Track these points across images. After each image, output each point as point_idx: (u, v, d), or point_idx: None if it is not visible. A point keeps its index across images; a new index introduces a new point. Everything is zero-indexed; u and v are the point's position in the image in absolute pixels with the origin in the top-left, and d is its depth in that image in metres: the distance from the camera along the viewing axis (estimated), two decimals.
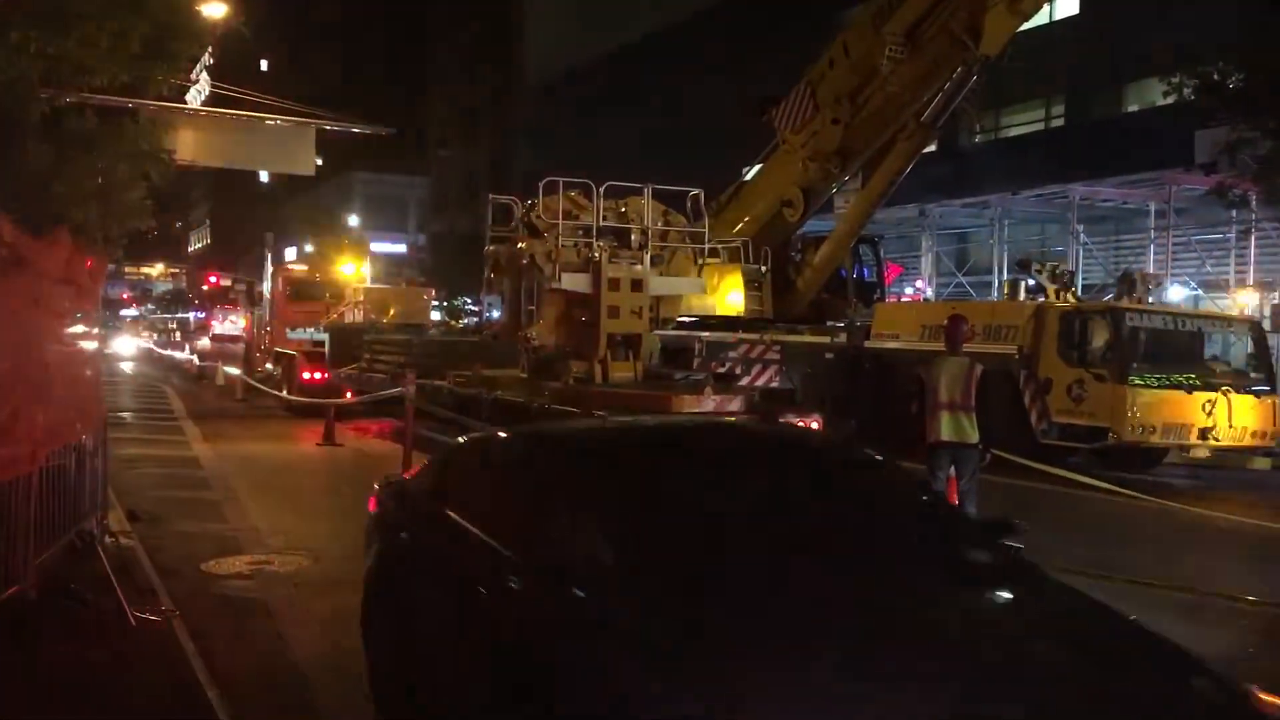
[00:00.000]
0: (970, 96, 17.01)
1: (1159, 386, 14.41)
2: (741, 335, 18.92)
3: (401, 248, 69.39)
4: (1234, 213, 21.81)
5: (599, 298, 12.65)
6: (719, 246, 19.53)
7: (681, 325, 19.86)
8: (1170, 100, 21.55)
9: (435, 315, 28.01)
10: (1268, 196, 19.18)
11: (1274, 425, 15.17)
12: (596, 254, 12.84)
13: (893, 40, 15.88)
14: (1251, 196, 20.11)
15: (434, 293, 31.33)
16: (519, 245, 13.61)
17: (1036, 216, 28.76)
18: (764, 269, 19.19)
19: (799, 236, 20.30)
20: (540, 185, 13.43)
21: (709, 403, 11.50)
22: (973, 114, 18.83)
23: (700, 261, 14.21)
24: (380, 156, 61.59)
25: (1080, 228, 25.93)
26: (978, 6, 15.08)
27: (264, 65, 77.62)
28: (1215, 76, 18.67)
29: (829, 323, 19.59)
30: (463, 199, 60.09)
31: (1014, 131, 31.83)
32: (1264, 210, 20.70)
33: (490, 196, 14.85)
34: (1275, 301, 22.29)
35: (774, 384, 18.72)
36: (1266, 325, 18.54)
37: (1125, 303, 15.55)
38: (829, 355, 18.58)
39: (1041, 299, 16.38)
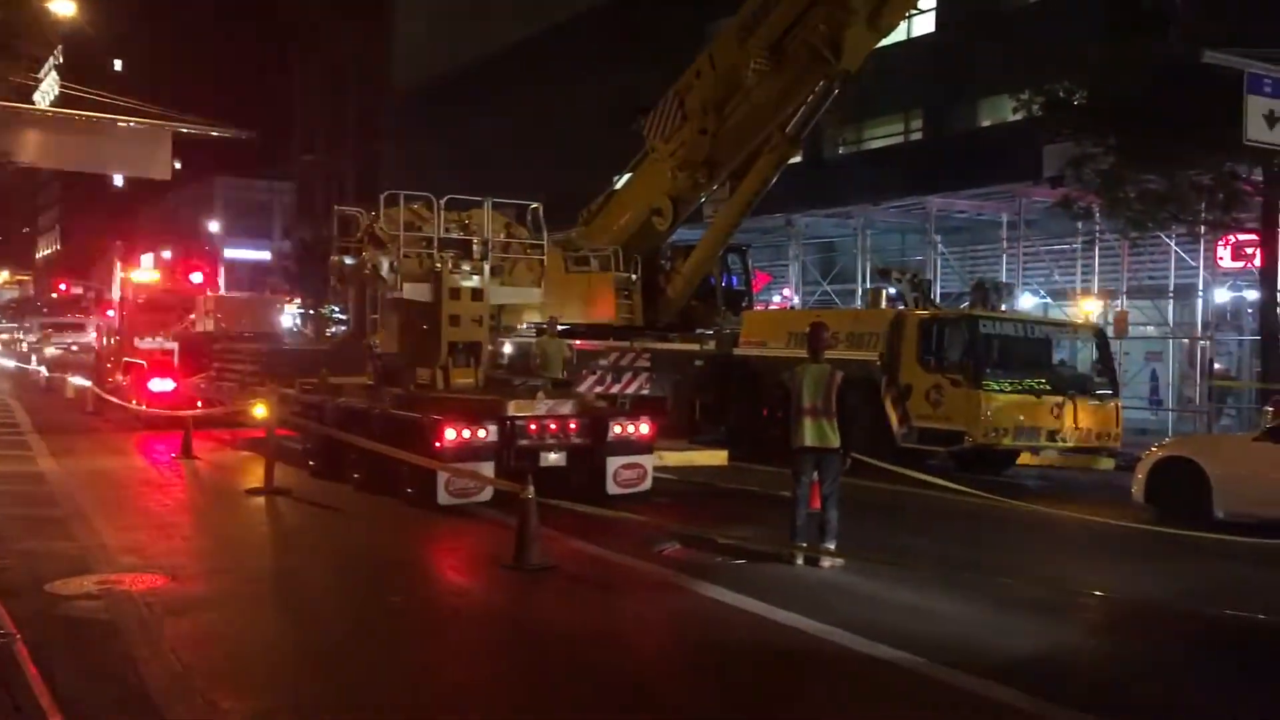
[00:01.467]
0: (833, 109, 17.46)
1: (1011, 391, 14.99)
2: (612, 343, 18.98)
3: (266, 255, 67.59)
4: (1079, 224, 22.86)
5: (440, 306, 13.07)
6: (590, 255, 19.66)
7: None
8: (1020, 116, 22.50)
9: (300, 323, 27.47)
10: (1109, 209, 20.15)
11: (1117, 427, 15.94)
12: (438, 264, 13.23)
13: (757, 53, 16.23)
14: (1095, 209, 21.11)
15: (297, 300, 30.67)
16: (363, 255, 13.93)
17: (897, 227, 29.61)
18: (634, 277, 19.36)
19: (669, 245, 20.51)
20: (381, 197, 13.71)
21: (542, 406, 11.99)
22: (835, 127, 19.30)
23: (540, 271, 14.66)
24: (244, 161, 59.88)
25: (938, 238, 26.80)
26: (838, 22, 15.51)
27: (119, 66, 74.70)
28: (1060, 94, 19.57)
29: (698, 330, 19.82)
30: (330, 205, 58.77)
31: (875, 144, 32.73)
32: (1106, 222, 21.73)
33: (335, 208, 15.14)
34: (1118, 309, 23.44)
35: (645, 391, 18.85)
36: (1110, 332, 19.47)
37: (979, 311, 16.12)
38: (698, 363, 18.81)
39: (901, 307, 16.87)
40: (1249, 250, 20.91)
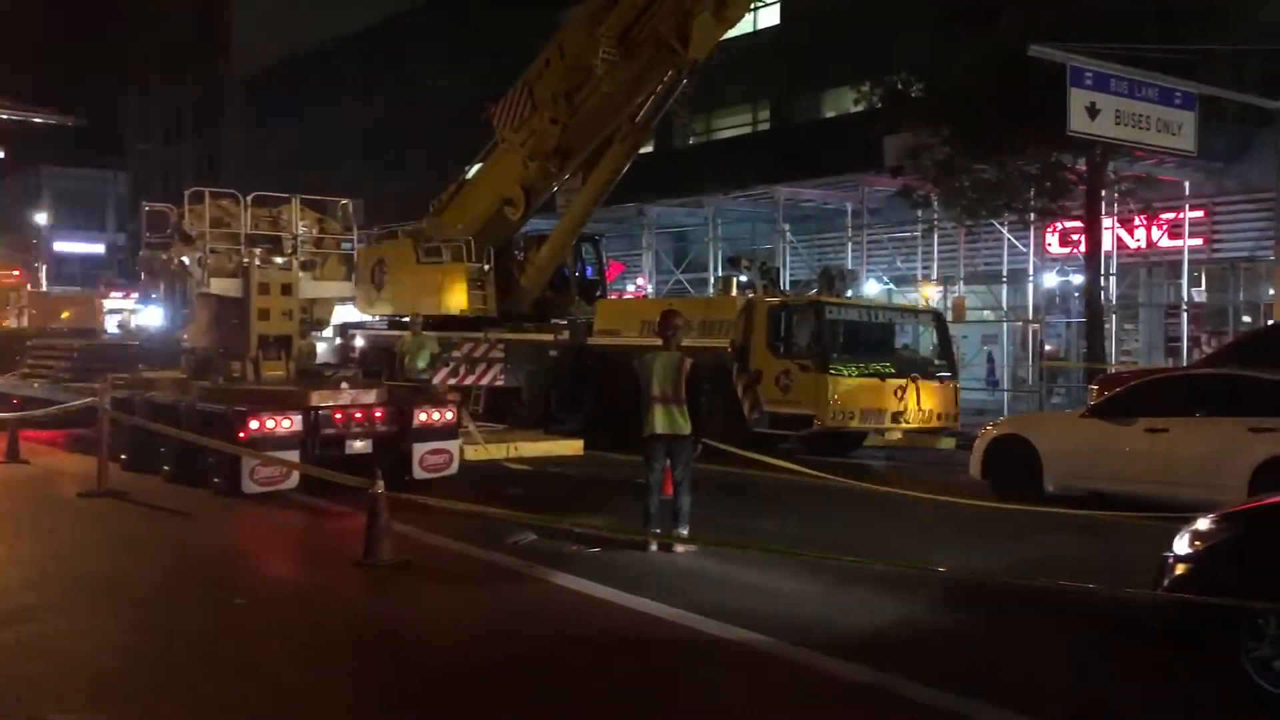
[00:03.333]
0: (682, 99, 17.63)
1: (857, 375, 15.45)
2: (465, 334, 18.78)
3: (99, 248, 64.46)
4: (919, 212, 23.69)
5: (249, 301, 13.34)
6: (442, 245, 19.39)
7: (399, 325, 19.52)
8: (861, 108, 23.15)
9: (147, 319, 26.44)
10: (946, 197, 20.96)
11: (956, 408, 16.62)
12: (246, 260, 13.53)
13: (606, 43, 16.23)
14: (933, 197, 21.91)
15: (135, 296, 29.44)
16: (170, 251, 14.22)
17: (747, 215, 30.15)
18: (487, 268, 19.21)
19: (521, 235, 20.40)
20: (186, 194, 13.97)
21: (345, 396, 12.32)
22: (685, 116, 19.50)
23: (351, 266, 15.09)
24: (73, 150, 57.02)
25: (786, 226, 27.42)
26: (685, 13, 15.65)
27: None
28: (898, 86, 20.22)
29: (553, 320, 19.76)
30: (168, 195, 56.34)
31: (725, 135, 33.22)
32: (943, 210, 22.60)
33: (144, 204, 15.42)
34: (956, 294, 24.40)
35: (499, 383, 18.72)
36: (948, 316, 20.25)
37: (826, 297, 16.52)
38: (553, 353, 18.75)
39: (751, 295, 17.16)
40: (1074, 237, 22.06)
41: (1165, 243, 22.79)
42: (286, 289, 13.62)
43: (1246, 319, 21.93)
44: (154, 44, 62.84)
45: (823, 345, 15.43)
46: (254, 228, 13.81)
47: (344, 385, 12.67)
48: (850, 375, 15.34)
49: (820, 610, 7.40)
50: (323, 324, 15.24)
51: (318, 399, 12.05)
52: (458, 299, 18.97)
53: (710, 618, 6.97)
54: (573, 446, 16.15)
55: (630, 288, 30.43)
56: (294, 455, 11.50)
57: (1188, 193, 22.12)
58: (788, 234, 27.48)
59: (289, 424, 11.65)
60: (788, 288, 21.61)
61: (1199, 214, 22.30)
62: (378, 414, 12.38)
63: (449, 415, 12.80)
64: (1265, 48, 16.92)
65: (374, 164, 41.88)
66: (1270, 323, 18.26)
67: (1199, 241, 22.39)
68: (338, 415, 12.09)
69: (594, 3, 16.99)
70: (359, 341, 21.82)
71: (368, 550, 8.43)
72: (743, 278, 17.94)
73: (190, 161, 58.33)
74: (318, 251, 14.42)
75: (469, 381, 18.31)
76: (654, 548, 9.09)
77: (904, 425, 15.86)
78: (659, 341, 9.59)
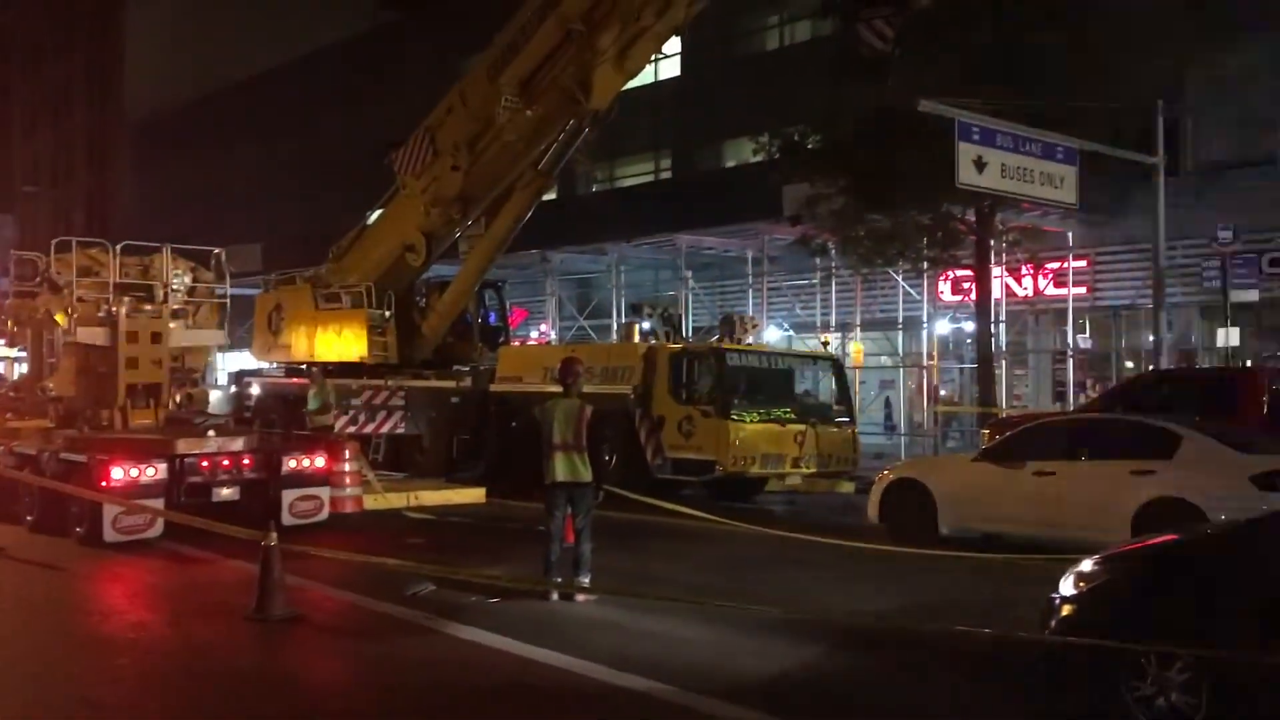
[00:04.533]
0: (584, 148, 17.76)
1: (758, 421, 15.62)
2: (365, 381, 18.52)
3: None
4: (817, 260, 24.17)
5: (116, 350, 13.34)
6: (341, 291, 19.14)
7: (298, 373, 19.18)
8: (760, 158, 23.60)
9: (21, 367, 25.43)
10: (842, 246, 21.43)
11: (855, 452, 16.90)
12: (114, 308, 13.54)
13: (508, 91, 16.29)
14: (830, 246, 22.37)
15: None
16: (37, 300, 14.26)
17: (650, 263, 30.41)
18: (388, 314, 19.00)
19: (423, 281, 20.24)
20: (53, 244, 14.07)
21: (212, 444, 12.37)
22: (587, 164, 19.64)
23: (222, 315, 15.22)
24: None
25: (689, 274, 27.74)
26: (586, 63, 15.79)
27: None
28: (795, 138, 20.68)
29: (455, 367, 19.61)
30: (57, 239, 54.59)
31: (627, 182, 33.55)
32: (840, 258, 23.08)
33: (13, 252, 15.63)
34: (854, 341, 24.88)
35: (400, 430, 18.47)
36: (846, 362, 20.63)
37: (727, 344, 16.71)
38: (455, 400, 18.58)
39: (654, 341, 17.27)
40: (966, 285, 22.71)
41: (1051, 291, 23.61)
42: (156, 337, 13.60)
43: (1129, 364, 22.79)
44: (42, 85, 61.18)
45: (724, 391, 15.58)
46: (124, 276, 13.82)
47: (211, 433, 12.68)
48: (751, 421, 15.50)
49: (719, 656, 7.41)
50: (195, 372, 15.30)
51: (184, 447, 12.04)
52: (358, 346, 18.72)
53: (611, 667, 6.93)
54: (474, 494, 16.01)
55: (534, 334, 30.37)
56: (158, 503, 11.45)
57: (1071, 243, 22.98)
58: (690, 281, 27.79)
59: (153, 472, 11.62)
60: (690, 335, 21.80)
61: (1082, 264, 23.17)
62: (245, 461, 12.42)
63: (319, 461, 12.82)
64: (1142, 105, 17.72)
65: (271, 208, 41.27)
66: (1151, 368, 18.98)
67: (1083, 290, 23.24)
68: (204, 463, 12.12)
69: (496, 51, 17.04)
70: (255, 389, 21.36)
71: (260, 604, 8.20)
72: (645, 324, 18.05)
73: (79, 204, 56.76)
74: (190, 300, 14.47)
75: (369, 429, 18.04)
76: (555, 597, 9.03)
77: (804, 470, 16.07)
78: (561, 389, 9.59)
